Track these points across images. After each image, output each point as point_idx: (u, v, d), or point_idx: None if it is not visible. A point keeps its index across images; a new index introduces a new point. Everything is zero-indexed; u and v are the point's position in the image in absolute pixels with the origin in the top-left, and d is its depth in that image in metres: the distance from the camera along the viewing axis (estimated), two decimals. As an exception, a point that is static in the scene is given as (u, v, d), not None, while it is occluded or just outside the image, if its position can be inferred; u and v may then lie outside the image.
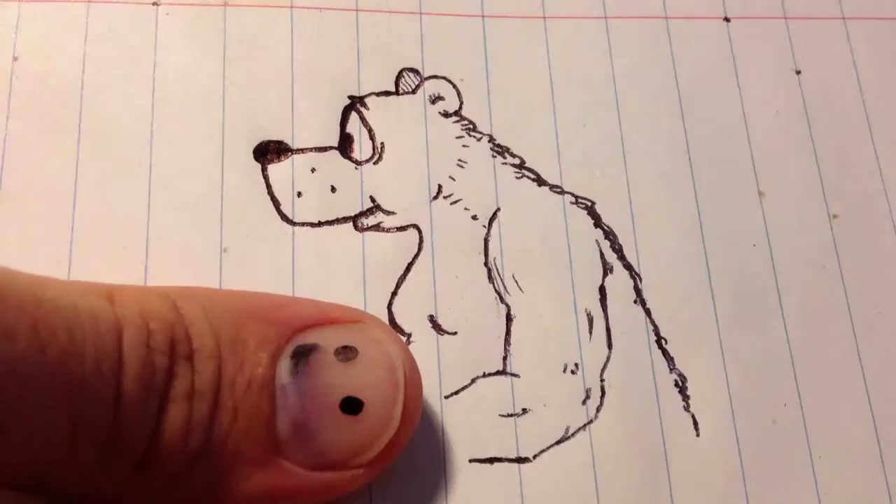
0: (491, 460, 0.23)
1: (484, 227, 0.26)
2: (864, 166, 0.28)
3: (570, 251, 0.26)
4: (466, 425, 0.23)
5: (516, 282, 0.25)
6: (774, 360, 0.25)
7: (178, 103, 0.26)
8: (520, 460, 0.23)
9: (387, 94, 0.27)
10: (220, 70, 0.26)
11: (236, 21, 0.27)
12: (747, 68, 0.28)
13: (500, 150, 0.26)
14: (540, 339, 0.24)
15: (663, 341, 0.25)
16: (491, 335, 0.24)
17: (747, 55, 0.29)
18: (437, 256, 0.25)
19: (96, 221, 0.24)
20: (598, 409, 0.24)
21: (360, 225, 0.25)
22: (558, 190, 0.26)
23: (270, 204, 0.25)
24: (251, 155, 0.25)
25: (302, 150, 0.26)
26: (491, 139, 0.27)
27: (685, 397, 0.24)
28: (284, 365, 0.20)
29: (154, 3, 0.27)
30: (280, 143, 0.26)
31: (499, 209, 0.26)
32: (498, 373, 0.24)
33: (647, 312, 0.25)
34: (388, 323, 0.24)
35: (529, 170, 0.26)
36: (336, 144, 0.26)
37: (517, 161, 0.26)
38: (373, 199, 0.25)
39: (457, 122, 0.27)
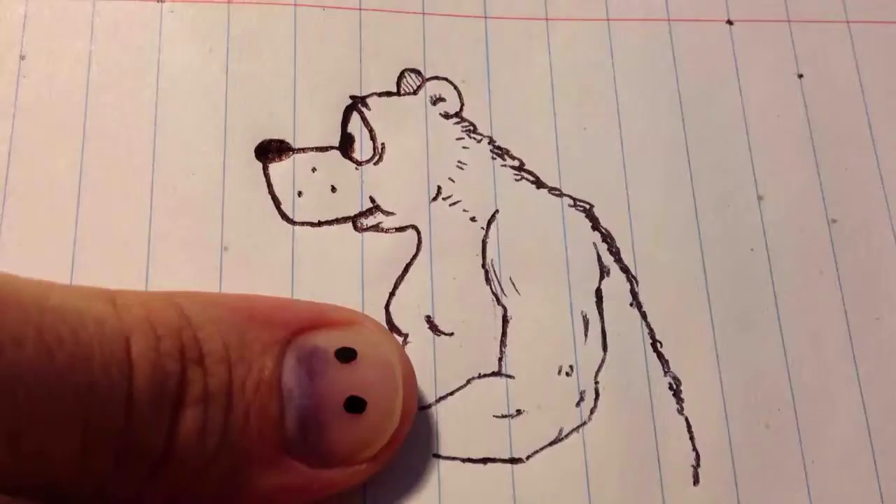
0: (484, 460, 0.23)
1: (482, 228, 0.26)
2: (864, 172, 0.28)
3: (568, 253, 0.26)
4: (460, 425, 0.24)
5: (513, 284, 0.25)
6: (769, 364, 0.25)
7: (180, 101, 0.26)
8: (513, 461, 0.23)
9: (388, 94, 0.27)
10: (223, 68, 0.26)
11: (240, 19, 0.27)
12: (749, 71, 0.28)
13: (500, 152, 0.27)
14: (535, 340, 0.25)
15: (658, 344, 0.25)
16: (487, 336, 0.25)
17: (750, 58, 0.29)
18: (435, 257, 0.25)
19: (99, 218, 0.24)
20: (591, 412, 0.24)
21: (359, 225, 0.25)
22: (557, 192, 0.26)
23: (271, 203, 0.25)
24: (252, 154, 0.26)
25: (303, 150, 0.26)
26: (491, 141, 0.27)
27: (679, 400, 0.25)
28: (289, 367, 0.20)
29: (158, 0, 0.27)
30: (281, 142, 0.26)
31: (497, 211, 0.26)
32: (493, 374, 0.24)
33: (643, 315, 0.25)
34: (385, 323, 0.24)
35: (529, 172, 0.27)
36: (337, 144, 0.26)
37: (516, 163, 0.27)
38: (372, 200, 0.26)
39: (457, 123, 0.27)
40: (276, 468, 0.20)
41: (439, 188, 0.26)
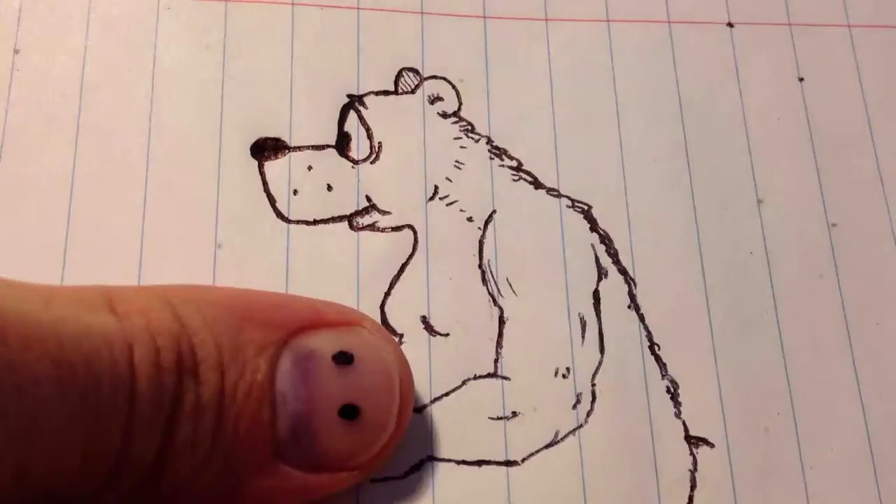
0: (479, 463, 0.23)
1: (479, 228, 0.26)
2: (864, 176, 0.27)
3: (566, 255, 0.26)
4: (455, 427, 0.23)
5: (510, 284, 0.25)
6: (768, 368, 0.25)
7: (176, 98, 0.26)
8: (508, 463, 0.23)
9: (386, 93, 0.27)
10: (220, 65, 0.26)
11: (237, 16, 0.27)
12: (750, 74, 0.28)
13: (498, 152, 0.26)
14: (532, 342, 0.24)
15: (656, 347, 0.25)
16: (483, 337, 0.24)
17: (750, 61, 0.28)
18: (431, 257, 0.25)
19: (92, 214, 0.24)
20: (588, 414, 0.24)
21: (355, 224, 0.25)
22: (555, 193, 0.26)
23: (266, 201, 0.25)
24: (248, 151, 0.26)
25: (299, 148, 0.26)
26: (489, 141, 0.27)
27: (677, 404, 0.24)
28: (283, 370, 0.20)
29: (156, -3, 0.27)
30: (277, 140, 0.26)
31: (495, 211, 0.26)
32: (489, 375, 0.24)
33: (641, 318, 0.25)
34: (380, 322, 0.24)
35: (527, 172, 0.26)
36: (334, 143, 0.26)
37: (514, 163, 0.26)
38: (369, 199, 0.25)
39: (455, 123, 0.27)
40: (267, 473, 0.20)
41: (436, 188, 0.26)
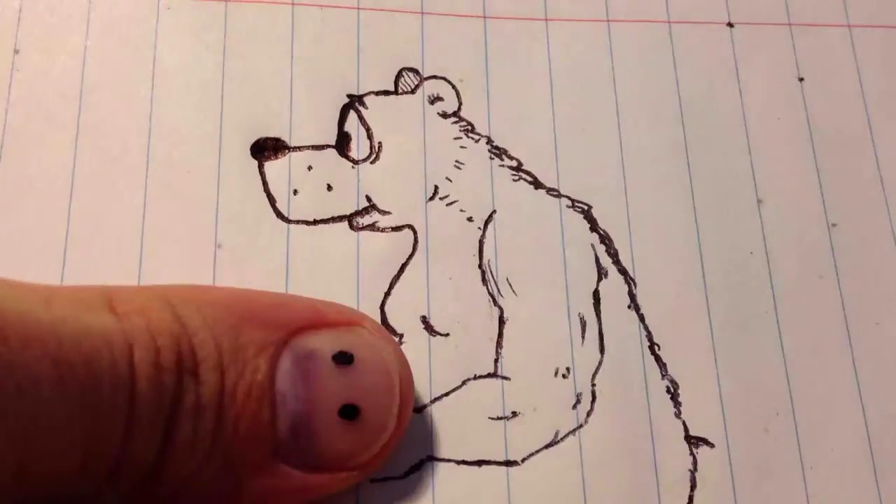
0: (479, 463, 0.23)
1: (479, 229, 0.26)
2: (864, 175, 0.27)
3: (565, 255, 0.26)
4: (455, 427, 0.23)
5: (510, 284, 0.25)
6: (768, 368, 0.25)
7: (176, 98, 0.26)
8: (508, 463, 0.23)
9: (386, 93, 0.27)
10: (220, 65, 0.26)
11: (237, 16, 0.27)
12: (750, 74, 0.28)
13: (498, 151, 0.26)
14: (532, 342, 0.24)
15: (656, 347, 0.25)
16: (483, 337, 0.24)
17: (750, 61, 0.28)
18: (431, 257, 0.25)
19: (92, 214, 0.24)
20: (588, 414, 0.24)
21: (355, 224, 0.25)
22: (555, 193, 0.26)
23: (266, 201, 0.25)
24: (248, 151, 0.26)
25: (299, 148, 0.26)
26: (489, 141, 0.27)
27: (677, 404, 0.24)
28: (283, 370, 0.20)
29: (156, -3, 0.27)
30: (277, 140, 0.26)
31: (494, 211, 0.26)
32: (489, 375, 0.24)
33: (641, 318, 0.25)
34: (380, 322, 0.24)
35: (527, 172, 0.26)
36: (334, 143, 0.26)
37: (514, 163, 0.26)
38: (369, 199, 0.25)
39: (455, 123, 0.27)
40: (266, 472, 0.20)
41: (436, 188, 0.26)
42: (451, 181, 0.26)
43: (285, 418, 0.20)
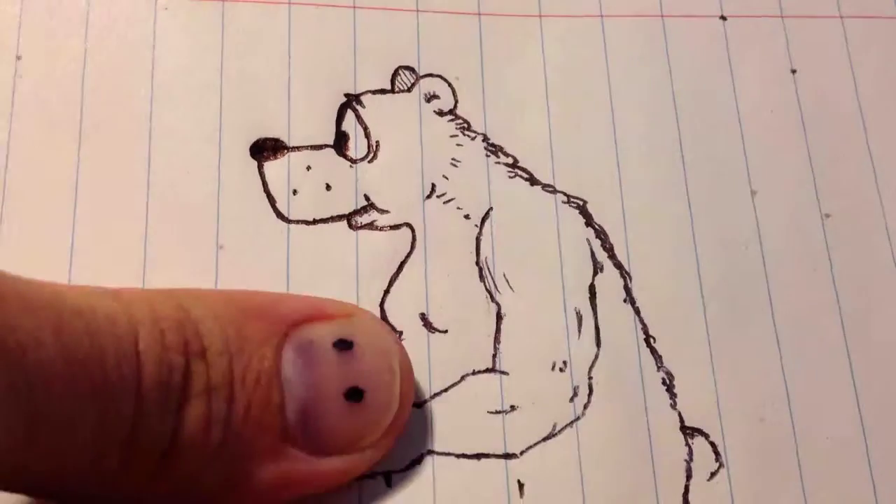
0: (478, 456, 0.24)
1: (476, 226, 0.26)
2: (857, 166, 0.28)
3: (561, 250, 0.26)
4: (455, 422, 0.24)
5: (507, 280, 0.25)
6: (763, 359, 0.25)
7: (175, 99, 0.26)
8: (507, 456, 0.24)
9: (382, 92, 0.27)
10: (218, 66, 0.27)
11: (234, 17, 0.27)
12: (743, 67, 0.28)
13: (494, 149, 0.27)
14: (529, 336, 0.25)
15: (652, 340, 0.25)
16: (481, 333, 0.25)
17: (743, 54, 0.29)
18: (429, 255, 0.25)
19: (96, 217, 0.25)
20: (585, 407, 0.24)
21: (354, 223, 0.26)
22: (551, 189, 0.27)
23: (266, 201, 0.25)
24: (247, 152, 0.26)
25: (298, 148, 0.26)
26: (485, 138, 0.27)
27: (672, 395, 0.25)
28: (287, 359, 0.21)
29: (153, -3, 0.27)
30: (276, 140, 0.26)
31: (491, 208, 0.26)
32: (487, 370, 0.24)
33: (637, 311, 0.25)
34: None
35: (522, 169, 0.27)
36: (332, 142, 0.26)
37: (510, 160, 0.27)
38: (367, 198, 0.26)
39: (451, 120, 0.27)
40: (277, 458, 0.20)
41: (433, 186, 0.26)
42: (447, 179, 0.26)
43: (293, 403, 0.20)
